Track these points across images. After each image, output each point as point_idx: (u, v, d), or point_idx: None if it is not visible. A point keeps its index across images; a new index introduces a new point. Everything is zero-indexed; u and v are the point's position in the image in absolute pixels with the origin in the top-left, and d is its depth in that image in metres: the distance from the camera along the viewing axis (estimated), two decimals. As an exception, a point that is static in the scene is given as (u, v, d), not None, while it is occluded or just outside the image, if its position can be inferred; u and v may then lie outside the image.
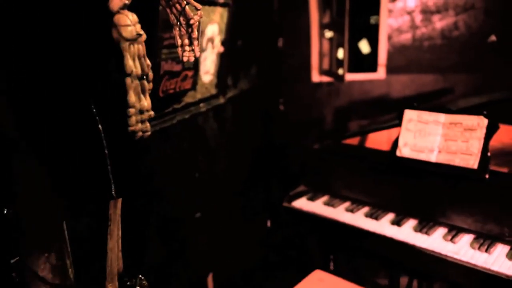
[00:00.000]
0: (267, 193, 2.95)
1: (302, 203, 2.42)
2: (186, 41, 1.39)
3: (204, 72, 2.32)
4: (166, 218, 2.23)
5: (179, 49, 1.40)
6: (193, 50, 1.38)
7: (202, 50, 2.25)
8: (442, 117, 2.13)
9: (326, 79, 3.86)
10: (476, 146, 1.99)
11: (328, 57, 3.95)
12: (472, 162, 1.99)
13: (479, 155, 1.98)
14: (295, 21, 3.82)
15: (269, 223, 2.41)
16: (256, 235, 3.09)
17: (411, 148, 2.18)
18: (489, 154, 1.97)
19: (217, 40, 2.40)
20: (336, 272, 2.18)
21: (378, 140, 2.78)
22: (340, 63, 3.58)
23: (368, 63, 4.17)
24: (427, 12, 3.79)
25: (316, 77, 3.87)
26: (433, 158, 2.11)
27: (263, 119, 3.57)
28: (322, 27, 3.80)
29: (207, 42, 2.28)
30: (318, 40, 3.82)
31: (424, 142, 2.15)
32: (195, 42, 1.39)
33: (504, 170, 2.35)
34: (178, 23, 1.38)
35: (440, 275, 1.97)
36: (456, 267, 1.82)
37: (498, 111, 3.81)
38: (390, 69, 3.90)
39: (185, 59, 1.40)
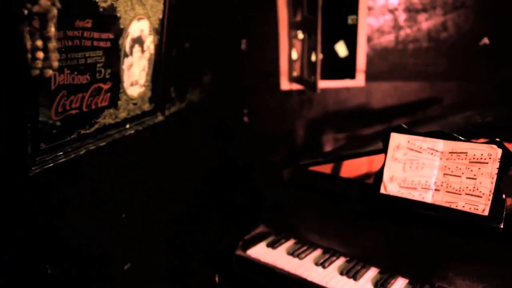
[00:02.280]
0: (219, 236, 2.40)
1: (259, 252, 1.88)
2: (39, 43, 0.84)
3: (129, 83, 1.76)
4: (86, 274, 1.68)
5: (29, 55, 0.84)
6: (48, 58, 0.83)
7: (124, 55, 1.69)
8: (440, 144, 1.61)
9: (297, 87, 3.34)
10: (487, 185, 1.49)
11: (299, 62, 3.42)
12: (482, 206, 1.48)
13: (490, 197, 1.47)
14: (262, 20, 3.29)
15: (217, 279, 1.87)
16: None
17: (400, 184, 1.66)
18: (504, 196, 1.46)
19: (149, 42, 1.84)
20: None
21: (356, 164, 2.27)
22: (312, 68, 3.05)
23: (345, 68, 3.65)
24: (411, 11, 3.31)
25: (285, 84, 3.35)
26: (428, 198, 1.59)
27: (221, 136, 3.02)
28: (292, 27, 3.27)
29: (132, 44, 1.72)
30: (288, 42, 3.30)
31: (416, 177, 1.64)
32: (50, 45, 0.83)
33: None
34: (26, 11, 0.83)
35: None
36: None
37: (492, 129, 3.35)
38: (370, 76, 3.41)
39: (35, 72, 0.84)
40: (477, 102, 3.17)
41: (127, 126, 1.83)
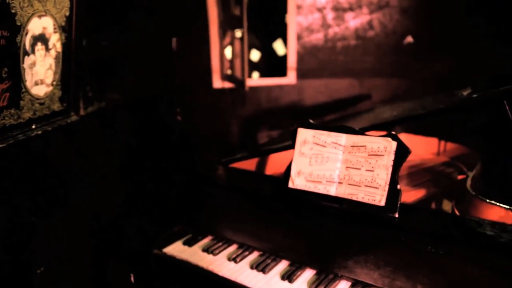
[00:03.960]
0: (137, 235, 2.38)
1: (175, 249, 1.88)
2: None
3: (33, 82, 1.71)
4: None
5: None
6: None
7: (25, 53, 1.64)
8: (343, 138, 1.67)
9: (229, 85, 3.35)
10: (383, 176, 1.55)
11: (237, 60, 3.44)
12: (379, 197, 1.55)
13: (386, 188, 1.54)
14: (193, 18, 3.28)
15: (132, 279, 1.85)
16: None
17: (306, 178, 1.71)
18: (398, 187, 1.53)
19: (54, 40, 1.79)
20: None
21: (280, 162, 2.30)
22: (242, 66, 3.08)
23: (279, 66, 3.71)
24: (339, 9, 3.40)
25: (217, 82, 3.36)
26: (332, 191, 1.65)
27: (150, 135, 2.99)
28: (223, 25, 3.28)
29: (34, 42, 1.67)
30: (219, 40, 3.31)
31: (322, 171, 1.68)
32: None
33: (422, 192, 1.99)
34: None
35: None
36: None
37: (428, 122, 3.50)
38: (301, 73, 3.48)
39: None
40: (402, 98, 3.29)
41: (33, 126, 1.77)
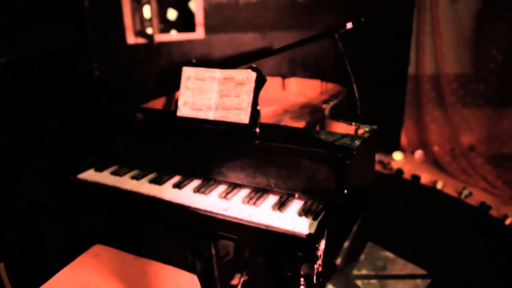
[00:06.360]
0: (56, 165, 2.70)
1: (88, 174, 2.23)
2: None
3: None
4: None
5: None
6: None
7: None
8: (217, 72, 2.07)
9: (142, 40, 3.64)
10: (246, 100, 1.97)
11: (149, 19, 3.71)
12: (243, 117, 1.97)
13: (249, 109, 1.96)
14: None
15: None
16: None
17: (191, 107, 2.10)
18: (258, 108, 1.96)
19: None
20: (119, 245, 2.05)
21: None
22: (151, 23, 3.37)
23: (192, 23, 4.02)
24: (240, -31, 3.74)
25: (131, 38, 3.63)
26: (211, 115, 2.05)
27: (65, 90, 3.23)
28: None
29: None
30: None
31: (202, 100, 2.08)
32: None
33: (302, 123, 2.43)
34: None
35: (220, 234, 1.93)
36: (229, 224, 1.80)
37: (308, 66, 3.97)
38: (209, 28, 3.82)
39: None
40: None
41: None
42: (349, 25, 2.16)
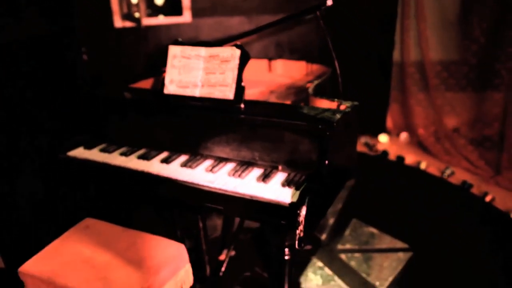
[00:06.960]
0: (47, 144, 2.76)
1: (78, 152, 2.28)
2: None
3: None
4: None
5: None
6: None
7: None
8: (203, 50, 2.12)
9: (129, 24, 3.67)
10: (231, 76, 2.03)
11: (136, 4, 3.73)
12: (228, 93, 2.03)
13: (234, 85, 2.02)
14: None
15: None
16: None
17: (177, 85, 2.15)
18: (243, 84, 2.02)
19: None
20: (109, 218, 2.12)
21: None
22: (138, 6, 3.40)
23: (179, 7, 4.05)
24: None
25: (118, 22, 3.66)
26: (197, 92, 2.11)
27: (54, 74, 3.26)
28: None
29: None
30: (116, -18, 3.58)
31: (188, 78, 2.14)
32: None
33: (287, 102, 2.50)
34: None
35: (207, 206, 2.00)
36: (215, 195, 1.87)
37: (295, 49, 4.03)
38: (196, 12, 3.85)
39: None
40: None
41: None
42: (329, 2, 2.23)
